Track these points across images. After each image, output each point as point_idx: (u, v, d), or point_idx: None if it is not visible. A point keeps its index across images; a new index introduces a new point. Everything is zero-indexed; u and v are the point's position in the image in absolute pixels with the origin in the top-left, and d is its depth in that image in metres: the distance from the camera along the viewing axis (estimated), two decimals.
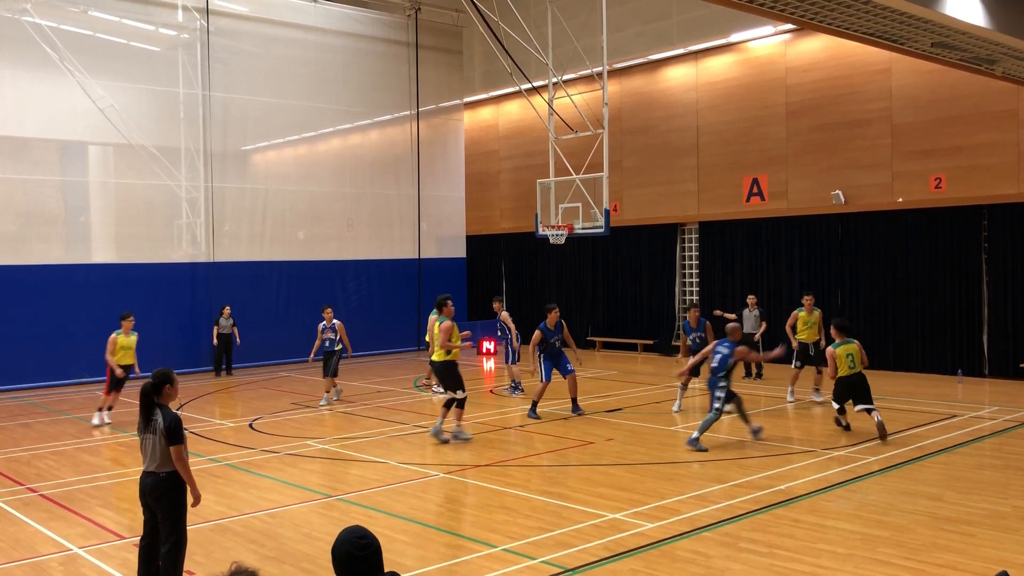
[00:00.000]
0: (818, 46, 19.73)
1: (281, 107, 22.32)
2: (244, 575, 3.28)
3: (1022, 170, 17.07)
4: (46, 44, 18.67)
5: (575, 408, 14.08)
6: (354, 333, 21.68)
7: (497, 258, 27.81)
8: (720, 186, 21.69)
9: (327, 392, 15.71)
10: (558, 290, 25.69)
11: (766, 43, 20.74)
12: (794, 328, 14.86)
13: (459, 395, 11.87)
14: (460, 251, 26.59)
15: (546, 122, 18.29)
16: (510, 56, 17.82)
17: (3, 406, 16.30)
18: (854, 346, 11.98)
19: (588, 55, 19.12)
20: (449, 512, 8.87)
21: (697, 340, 14.43)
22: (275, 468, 10.71)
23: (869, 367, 12.56)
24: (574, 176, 17.51)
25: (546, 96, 18.26)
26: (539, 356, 13.99)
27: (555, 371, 14.00)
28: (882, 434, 11.41)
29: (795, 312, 14.99)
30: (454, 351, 11.97)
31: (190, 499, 6.35)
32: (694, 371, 13.63)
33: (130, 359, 13.91)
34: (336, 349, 15.67)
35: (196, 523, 8.10)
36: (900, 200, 18.55)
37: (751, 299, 18.10)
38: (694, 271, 22.63)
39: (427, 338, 12.86)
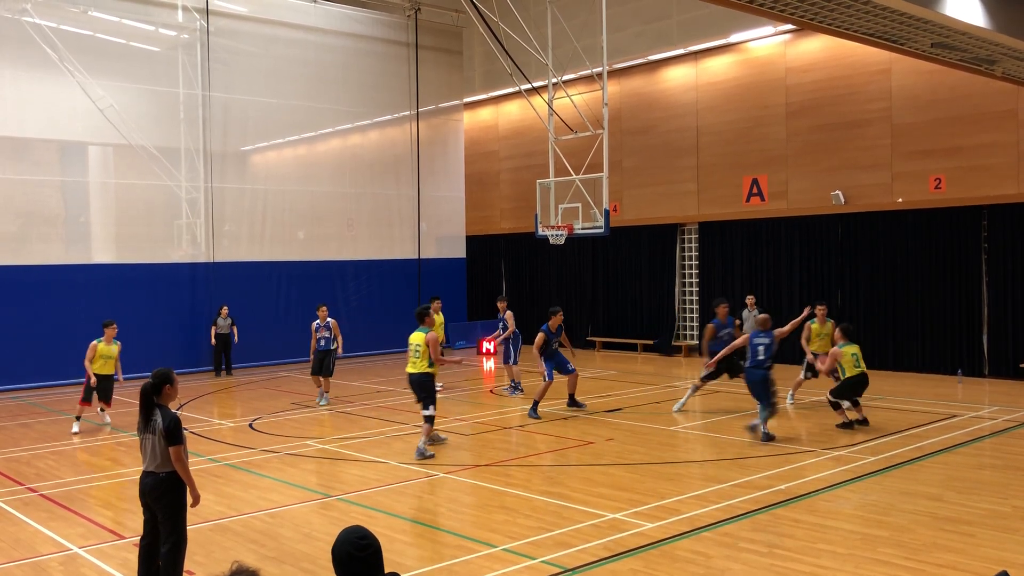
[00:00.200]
0: (818, 46, 19.73)
1: (281, 107, 22.32)
2: (245, 575, 3.28)
3: (1022, 170, 17.07)
4: (46, 44, 18.68)
5: (572, 401, 14.31)
6: (354, 333, 21.78)
7: (497, 258, 27.81)
8: (720, 186, 21.69)
9: (326, 392, 15.67)
10: (558, 290, 25.68)
11: (766, 43, 20.74)
12: (808, 340, 14.56)
13: (431, 411, 11.19)
14: (460, 251, 26.60)
15: (546, 122, 18.30)
16: (510, 56, 17.82)
17: (3, 406, 16.31)
18: (856, 347, 12.36)
19: (588, 55, 19.12)
20: (449, 512, 8.87)
21: (726, 337, 14.34)
22: (275, 468, 10.72)
23: (868, 367, 13.08)
24: (574, 176, 17.51)
25: (546, 96, 18.27)
26: (541, 358, 14.11)
27: (555, 371, 14.04)
28: (864, 419, 12.36)
29: (808, 324, 14.63)
30: (436, 365, 11.29)
31: (190, 499, 6.35)
32: (719, 370, 13.80)
33: (110, 368, 13.49)
34: (332, 348, 15.59)
35: (196, 523, 8.10)
36: (900, 200, 18.55)
37: (750, 299, 18.07)
38: (694, 271, 22.63)
39: (409, 348, 11.47)
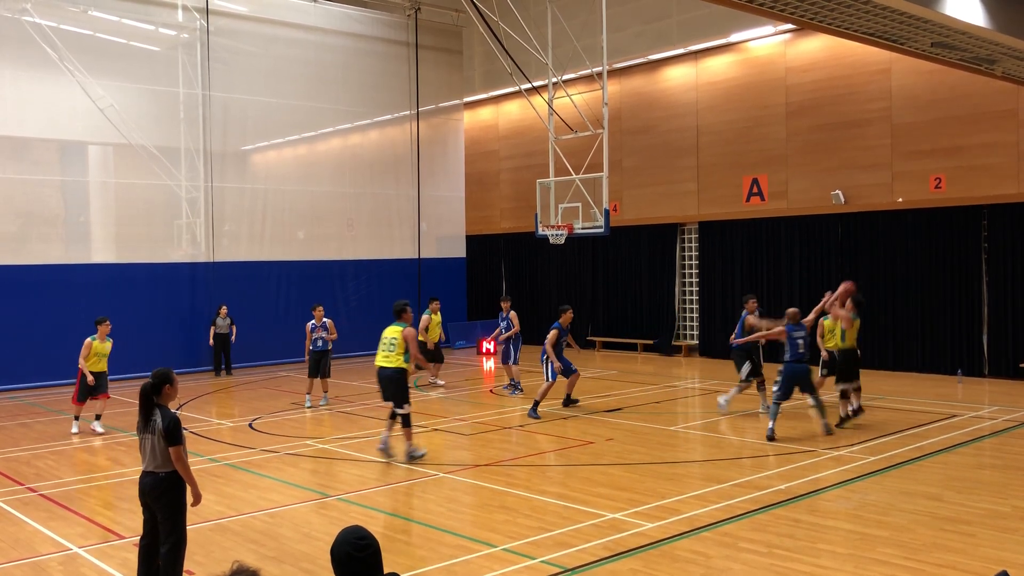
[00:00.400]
0: (818, 46, 19.73)
1: (281, 107, 22.32)
2: (245, 574, 3.28)
3: (1022, 170, 17.07)
4: (46, 44, 18.67)
5: (567, 401, 14.44)
6: (354, 333, 21.78)
7: (497, 258, 27.81)
8: (720, 186, 21.69)
9: (325, 392, 15.64)
10: (558, 290, 25.68)
11: (766, 43, 20.74)
12: (822, 336, 14.49)
13: (405, 409, 10.87)
14: (460, 251, 26.59)
15: (546, 122, 18.30)
16: (510, 56, 17.82)
17: (3, 406, 16.31)
18: (857, 323, 12.80)
19: (588, 55, 19.12)
20: (449, 512, 8.87)
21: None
22: (275, 468, 10.71)
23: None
24: (574, 176, 17.51)
25: (546, 96, 18.27)
26: (546, 358, 14.18)
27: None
28: (859, 408, 12.68)
29: (821, 321, 14.53)
30: (411, 362, 10.99)
31: (190, 499, 6.35)
32: (756, 368, 13.93)
33: (104, 366, 13.28)
34: (329, 349, 15.50)
35: (196, 523, 8.10)
36: (900, 200, 18.55)
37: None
38: (694, 271, 22.63)
39: (382, 342, 11.11)
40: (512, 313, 16.86)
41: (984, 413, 13.68)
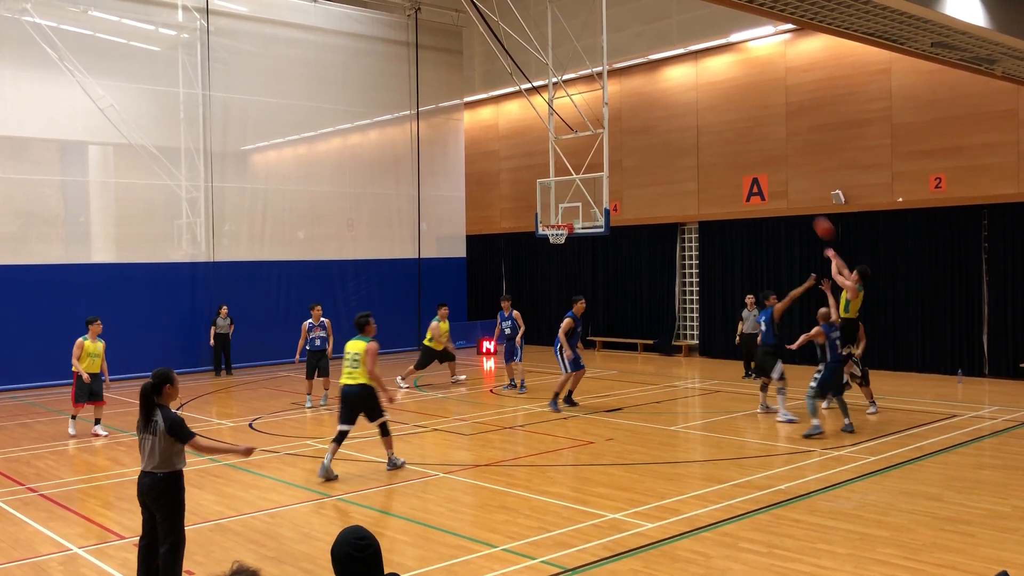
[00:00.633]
0: (818, 46, 19.72)
1: (281, 107, 22.32)
2: (245, 574, 3.28)
3: (1022, 170, 17.07)
4: (46, 44, 18.67)
5: (568, 399, 14.50)
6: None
7: (497, 258, 27.82)
8: (720, 186, 21.69)
9: (325, 391, 15.64)
10: (558, 290, 25.69)
11: (766, 43, 20.73)
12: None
13: (383, 418, 10.34)
14: (460, 251, 26.59)
15: (546, 122, 18.30)
16: (510, 56, 17.82)
17: (3, 406, 16.30)
18: (861, 295, 13.12)
19: (588, 55, 19.12)
20: (449, 512, 8.87)
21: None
22: (275, 468, 10.71)
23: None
24: (574, 176, 17.51)
25: (546, 96, 18.27)
26: (561, 349, 14.34)
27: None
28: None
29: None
30: (373, 379, 10.19)
31: (237, 458, 6.22)
32: (758, 374, 14.04)
33: (98, 367, 13.00)
34: (326, 348, 15.50)
35: (196, 523, 8.11)
36: (900, 200, 18.55)
37: (749, 299, 18.10)
38: (694, 271, 22.63)
39: (345, 359, 10.33)
40: (515, 312, 16.97)
41: (984, 413, 13.68)
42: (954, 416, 13.31)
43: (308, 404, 15.33)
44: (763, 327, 13.56)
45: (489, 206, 27.86)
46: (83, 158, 20.26)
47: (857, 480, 9.55)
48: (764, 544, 7.40)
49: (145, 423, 6.26)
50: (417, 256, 25.08)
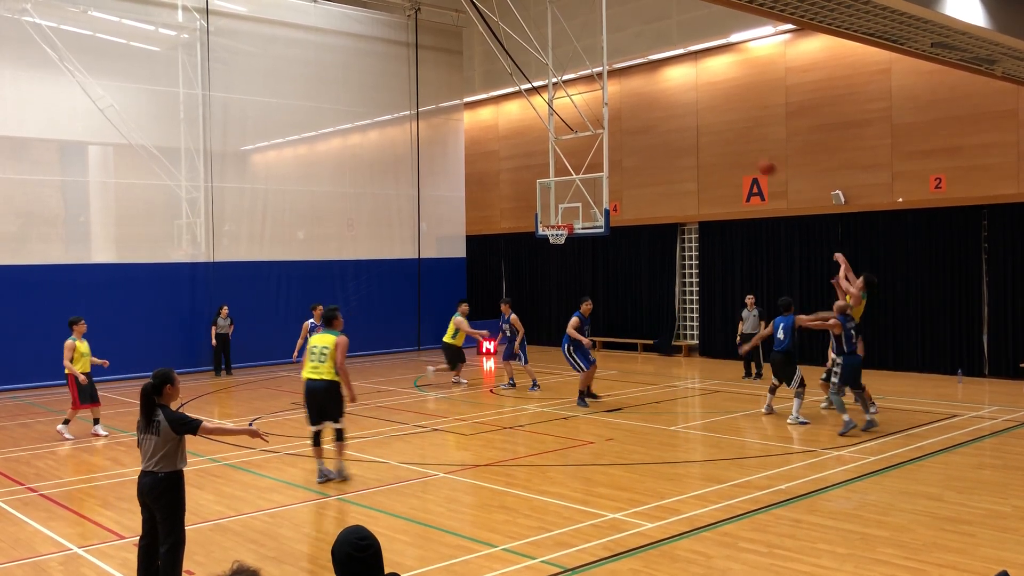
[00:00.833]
0: (818, 46, 19.73)
1: (281, 107, 22.32)
2: (245, 574, 3.28)
3: (1022, 170, 17.07)
4: (46, 44, 18.67)
5: (589, 394, 14.87)
6: (354, 333, 21.61)
7: (497, 258, 27.82)
8: (720, 186, 21.69)
9: None
10: (558, 290, 25.71)
11: (766, 43, 20.73)
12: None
13: (341, 423, 10.01)
14: (460, 251, 26.59)
15: (546, 122, 18.30)
16: (510, 56, 17.82)
17: (3, 406, 16.30)
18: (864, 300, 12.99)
19: (588, 55, 19.12)
20: (449, 512, 8.87)
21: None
22: (275, 468, 10.71)
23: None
24: (574, 176, 17.51)
25: (546, 96, 18.27)
26: (571, 350, 14.64)
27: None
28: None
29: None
30: (341, 375, 9.87)
31: (247, 438, 6.19)
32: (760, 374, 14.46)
33: (88, 366, 12.90)
34: None
35: (196, 523, 8.11)
36: (900, 200, 18.55)
37: (749, 299, 18.11)
38: (694, 271, 22.63)
39: (312, 352, 10.00)
40: (513, 316, 17.00)
41: (984, 413, 13.68)
42: (954, 416, 13.31)
43: None
44: (781, 335, 13.20)
45: (489, 206, 27.87)
46: (83, 158, 20.26)
47: (857, 480, 9.55)
48: (764, 544, 7.40)
49: (146, 423, 6.27)
50: (417, 256, 25.08)
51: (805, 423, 12.73)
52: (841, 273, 13.54)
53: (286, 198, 22.58)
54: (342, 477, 9.91)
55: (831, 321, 12.21)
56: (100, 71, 19.45)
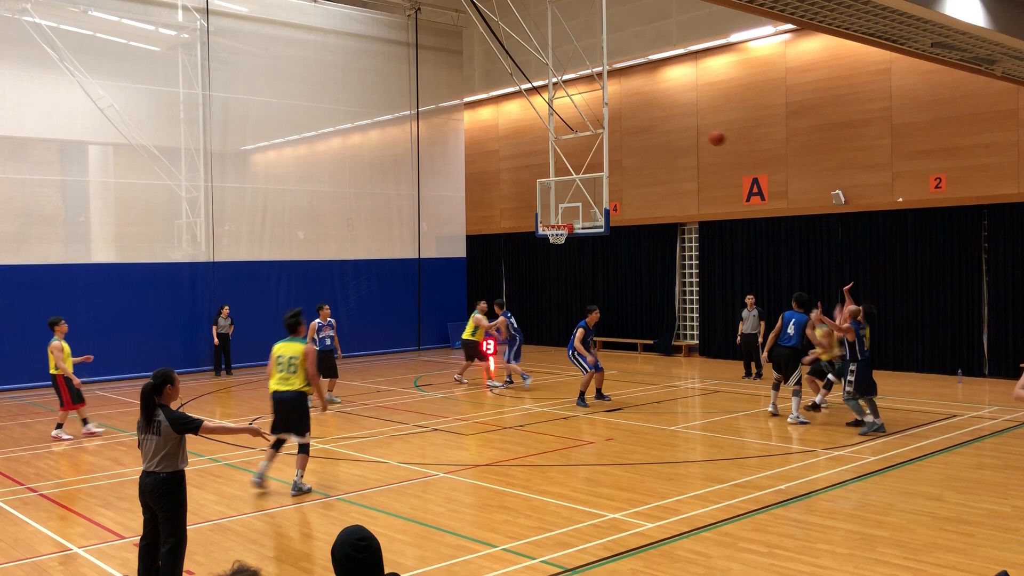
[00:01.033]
0: (818, 46, 19.72)
1: (281, 107, 22.32)
2: (246, 574, 3.28)
3: (1022, 170, 17.07)
4: (46, 44, 18.67)
5: (600, 395, 15.14)
6: (354, 333, 21.80)
7: (497, 258, 27.82)
8: (720, 186, 21.69)
9: (330, 391, 15.65)
10: (558, 290, 25.70)
11: (766, 43, 20.73)
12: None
13: (307, 438, 9.64)
14: (460, 251, 26.60)
15: (546, 122, 18.30)
16: (510, 56, 17.82)
17: (3, 406, 16.30)
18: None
19: (588, 55, 19.12)
20: (449, 512, 8.87)
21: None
22: (275, 468, 10.69)
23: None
24: (574, 176, 17.51)
25: (546, 96, 18.27)
26: (575, 353, 14.80)
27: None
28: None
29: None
30: (314, 385, 9.70)
31: (248, 436, 6.19)
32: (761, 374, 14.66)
33: (72, 366, 12.82)
34: (333, 347, 15.54)
35: (196, 523, 8.11)
36: (900, 200, 18.55)
37: (749, 299, 18.12)
38: (694, 271, 22.63)
39: (279, 363, 9.95)
40: (500, 318, 17.17)
41: (984, 413, 13.68)
42: (954, 416, 13.31)
43: (336, 399, 15.55)
44: (792, 330, 13.05)
45: (489, 206, 27.87)
46: (83, 158, 20.26)
47: (857, 480, 9.55)
48: (764, 544, 7.40)
49: (146, 423, 6.27)
50: (417, 256, 25.08)
51: (805, 423, 12.73)
52: (845, 307, 13.05)
53: (286, 198, 22.58)
54: (299, 491, 9.33)
55: (845, 327, 12.07)
56: (100, 71, 19.45)
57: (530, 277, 26.74)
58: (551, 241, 17.92)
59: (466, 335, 17.68)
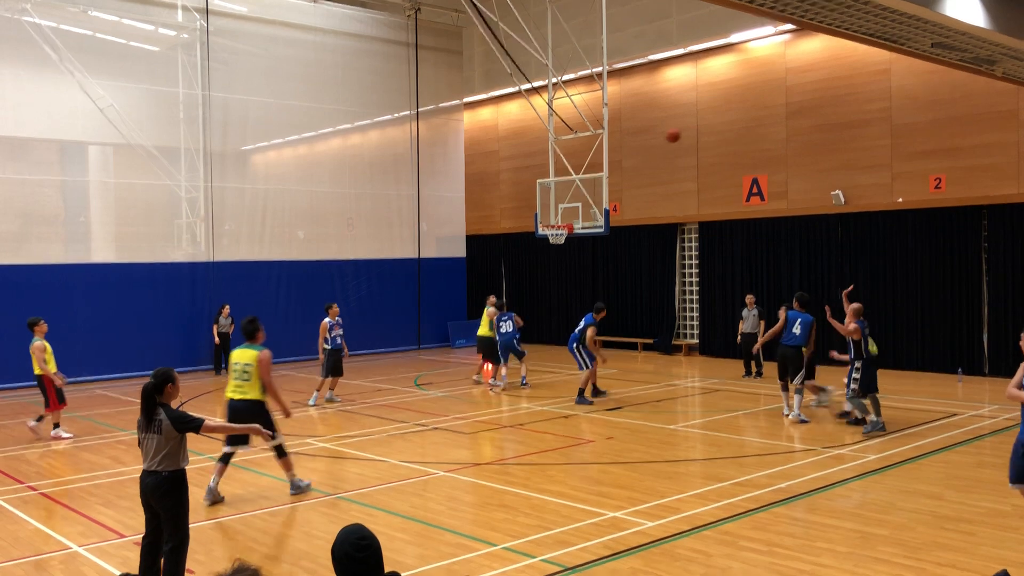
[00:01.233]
0: (818, 46, 19.73)
1: (281, 107, 22.33)
2: (246, 573, 3.29)
3: (1022, 170, 17.08)
4: (46, 44, 18.68)
5: (598, 392, 15.42)
6: (354, 332, 21.72)
7: (497, 258, 27.82)
8: (720, 186, 21.70)
9: (331, 390, 15.67)
10: (558, 290, 25.71)
11: (766, 43, 20.74)
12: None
13: (279, 439, 9.37)
14: (460, 251, 26.60)
15: (546, 122, 18.30)
16: (510, 56, 17.82)
17: (3, 405, 16.30)
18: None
19: (588, 55, 19.12)
20: (449, 510, 8.88)
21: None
22: (275, 467, 10.68)
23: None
24: (574, 176, 17.51)
25: (546, 96, 18.27)
26: (580, 347, 15.03)
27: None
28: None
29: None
30: (270, 393, 9.29)
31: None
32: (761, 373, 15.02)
33: (55, 366, 12.81)
34: (341, 346, 15.59)
35: (197, 522, 8.10)
36: (900, 200, 18.55)
37: (749, 299, 18.12)
38: (694, 271, 22.64)
39: (234, 370, 9.33)
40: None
41: (984, 412, 13.69)
42: (954, 415, 13.32)
43: (336, 399, 15.60)
44: (797, 330, 13.01)
45: (489, 206, 27.87)
46: (83, 158, 20.26)
47: (857, 479, 9.56)
48: (764, 543, 7.41)
49: (147, 422, 6.26)
50: (417, 256, 25.09)
51: (805, 421, 12.74)
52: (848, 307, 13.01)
53: (286, 198, 22.59)
54: (298, 489, 9.29)
55: (852, 327, 12.00)
56: (100, 71, 19.46)
57: (530, 277, 26.75)
58: (551, 241, 17.92)
59: (480, 332, 17.55)
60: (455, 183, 26.36)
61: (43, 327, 13.01)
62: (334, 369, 15.37)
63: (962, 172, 17.73)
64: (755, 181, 20.99)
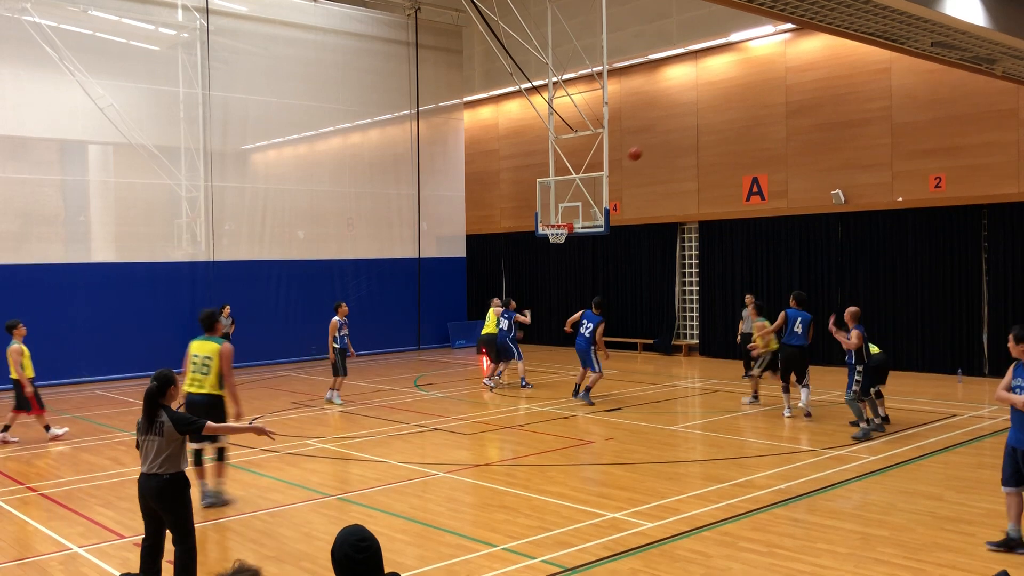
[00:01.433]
0: (818, 46, 19.72)
1: (281, 107, 22.32)
2: (246, 573, 3.29)
3: (1022, 170, 17.07)
4: (46, 44, 18.67)
5: (585, 393, 15.10)
6: (354, 332, 21.61)
7: (497, 258, 27.82)
8: (720, 186, 21.69)
9: (337, 389, 15.68)
10: (558, 290, 25.70)
11: (766, 43, 20.73)
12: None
13: (223, 441, 9.07)
14: (460, 251, 26.60)
15: (546, 121, 18.30)
16: (510, 56, 17.82)
17: (3, 406, 16.29)
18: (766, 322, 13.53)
19: (588, 55, 19.12)
20: (449, 511, 8.87)
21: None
22: (275, 467, 10.71)
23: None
24: (574, 175, 17.51)
25: (546, 95, 18.27)
26: (595, 351, 15.00)
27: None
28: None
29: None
30: (228, 388, 8.92)
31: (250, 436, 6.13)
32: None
33: (32, 371, 12.52)
34: (346, 347, 15.61)
35: (197, 522, 8.07)
36: (900, 200, 18.55)
37: (749, 299, 18.08)
38: (694, 271, 22.63)
39: (193, 362, 9.07)
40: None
41: (984, 412, 13.68)
42: (954, 416, 13.32)
43: (337, 400, 15.54)
44: (799, 329, 13.00)
45: (489, 206, 27.87)
46: (83, 158, 20.26)
47: (857, 480, 9.56)
48: (764, 544, 7.41)
49: (148, 424, 6.24)
50: (417, 256, 25.09)
51: (808, 415, 12.78)
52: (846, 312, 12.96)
53: (286, 198, 22.59)
54: (220, 501, 8.92)
55: (855, 340, 11.91)
56: (100, 70, 19.45)
57: (530, 277, 26.74)
58: (551, 241, 17.93)
59: (486, 330, 17.45)
60: (455, 182, 26.35)
61: (22, 330, 12.71)
62: (340, 368, 15.39)
63: (962, 171, 17.72)
64: (755, 180, 20.98)
